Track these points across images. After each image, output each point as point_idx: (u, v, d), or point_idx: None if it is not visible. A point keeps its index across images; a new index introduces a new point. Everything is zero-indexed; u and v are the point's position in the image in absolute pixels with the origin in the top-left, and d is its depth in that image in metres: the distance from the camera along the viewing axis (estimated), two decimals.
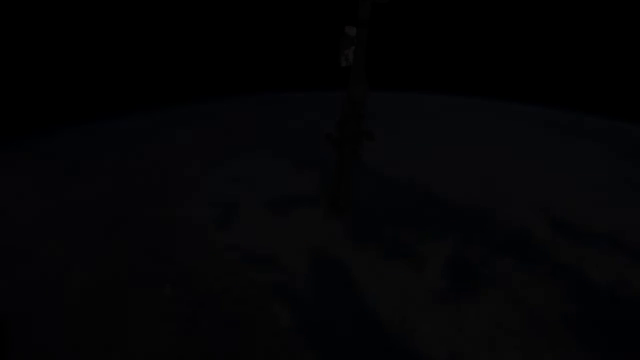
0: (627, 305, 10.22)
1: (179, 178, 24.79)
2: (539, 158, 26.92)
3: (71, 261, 12.83)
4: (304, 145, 29.59)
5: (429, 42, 56.59)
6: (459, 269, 12.73)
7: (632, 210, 17.02)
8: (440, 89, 55.38)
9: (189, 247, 14.67)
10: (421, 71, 56.28)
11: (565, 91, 54.68)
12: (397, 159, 27.18)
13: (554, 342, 8.91)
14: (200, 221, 19.13)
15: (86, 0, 38.23)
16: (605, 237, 14.09)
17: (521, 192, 19.79)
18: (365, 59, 3.64)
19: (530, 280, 11.33)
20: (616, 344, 8.78)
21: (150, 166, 26.67)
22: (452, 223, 15.54)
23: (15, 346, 6.84)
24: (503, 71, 61.26)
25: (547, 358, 8.27)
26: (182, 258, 14.19)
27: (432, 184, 22.27)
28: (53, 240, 14.64)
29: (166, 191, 23.33)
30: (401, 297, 10.34)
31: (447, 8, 56.93)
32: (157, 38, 49.41)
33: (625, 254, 12.91)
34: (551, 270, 12.55)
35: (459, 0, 58.69)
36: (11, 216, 16.05)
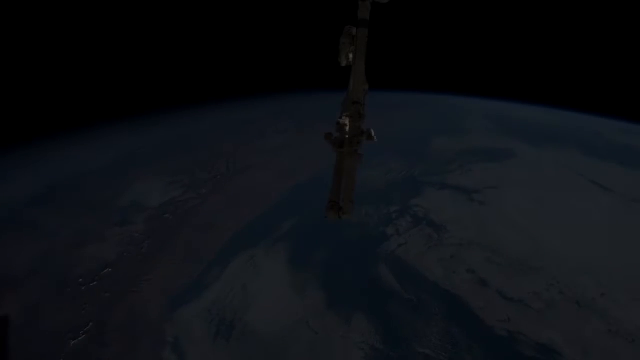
0: None
1: (130, 323, 14.30)
2: None
3: None
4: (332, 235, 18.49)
5: (430, 42, 55.80)
6: None
7: None
8: (440, 89, 53.27)
9: None
10: (421, 71, 55.24)
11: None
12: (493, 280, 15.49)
13: None
14: None
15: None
16: None
17: None
18: (365, 59, 3.36)
19: None
20: None
21: (85, 290, 15.15)
22: None
23: None
24: (509, 72, 55.85)
25: None
26: None
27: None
28: None
29: None
30: None
31: (448, 8, 53.70)
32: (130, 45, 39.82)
33: None
34: None
35: (459, 1, 54.03)
36: None
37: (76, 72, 35.37)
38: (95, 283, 16.81)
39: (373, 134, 3.34)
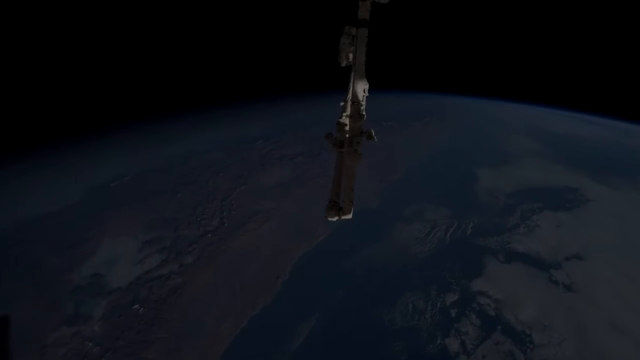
0: None
1: None
2: None
3: None
4: None
5: (430, 42, 52.30)
6: None
7: None
8: (439, 89, 51.70)
9: None
10: (421, 71, 51.92)
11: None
12: None
13: None
14: None
15: None
16: None
17: None
18: (365, 59, 3.49)
19: None
20: None
21: None
22: None
23: None
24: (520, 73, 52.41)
25: None
26: None
27: None
28: None
29: None
30: None
31: (448, 8, 51.07)
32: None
33: None
34: None
35: (459, 1, 51.38)
36: None
37: (29, 76, 28.63)
38: None
39: (373, 133, 3.31)
